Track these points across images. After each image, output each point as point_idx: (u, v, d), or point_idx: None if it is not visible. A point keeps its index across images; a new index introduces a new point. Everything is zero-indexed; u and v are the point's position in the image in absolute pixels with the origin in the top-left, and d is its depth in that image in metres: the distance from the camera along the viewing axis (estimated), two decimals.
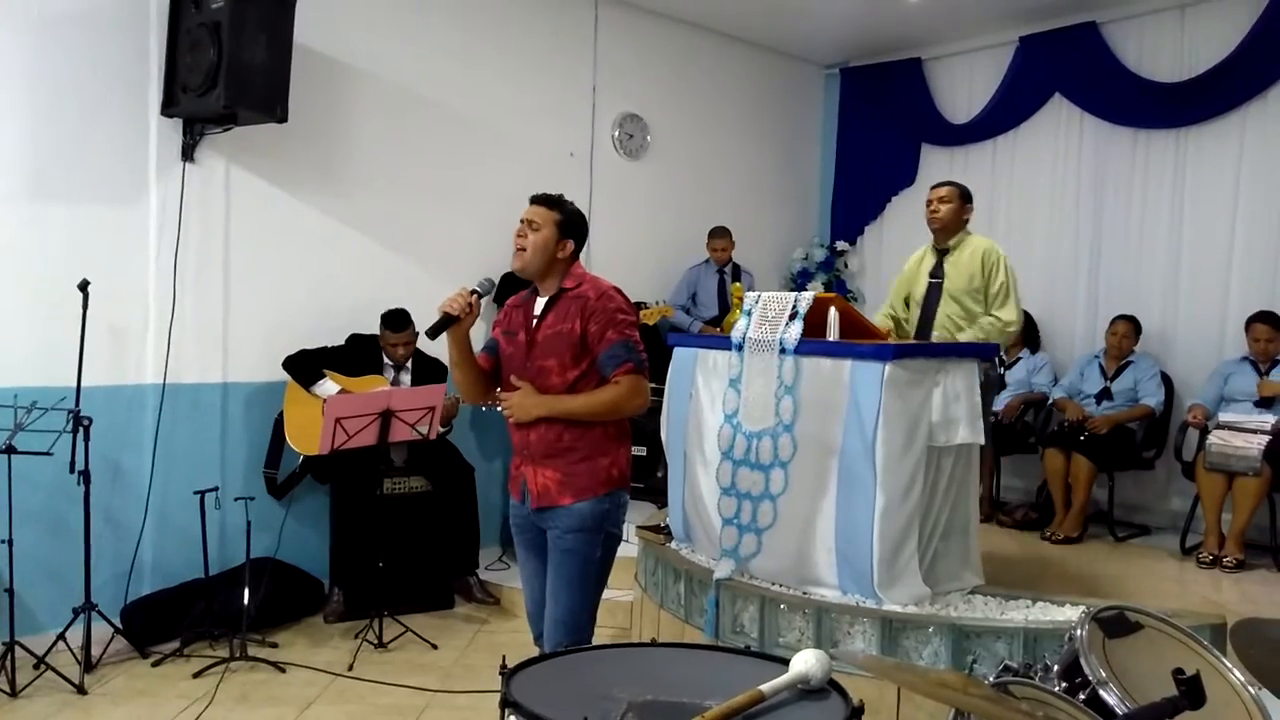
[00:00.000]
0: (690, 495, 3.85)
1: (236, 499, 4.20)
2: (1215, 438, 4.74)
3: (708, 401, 3.76)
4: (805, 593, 3.41)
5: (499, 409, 2.79)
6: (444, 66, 5.30)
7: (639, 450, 5.30)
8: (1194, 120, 5.55)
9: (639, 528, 4.24)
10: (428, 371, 4.72)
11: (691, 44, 6.55)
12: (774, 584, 3.48)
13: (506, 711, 1.68)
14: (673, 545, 3.99)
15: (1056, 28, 6.05)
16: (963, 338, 4.00)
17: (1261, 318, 4.99)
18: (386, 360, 4.74)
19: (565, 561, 2.74)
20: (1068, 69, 6.04)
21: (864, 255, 7.20)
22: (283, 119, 4.19)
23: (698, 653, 2.04)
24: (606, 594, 2.90)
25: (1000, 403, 5.58)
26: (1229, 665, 1.80)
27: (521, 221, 2.78)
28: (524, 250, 2.75)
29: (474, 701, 3.67)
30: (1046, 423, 5.63)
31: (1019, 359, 5.83)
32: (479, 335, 3.07)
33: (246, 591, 4.00)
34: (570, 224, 2.79)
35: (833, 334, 3.49)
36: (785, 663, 1.75)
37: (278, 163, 4.65)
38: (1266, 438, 4.60)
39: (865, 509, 3.28)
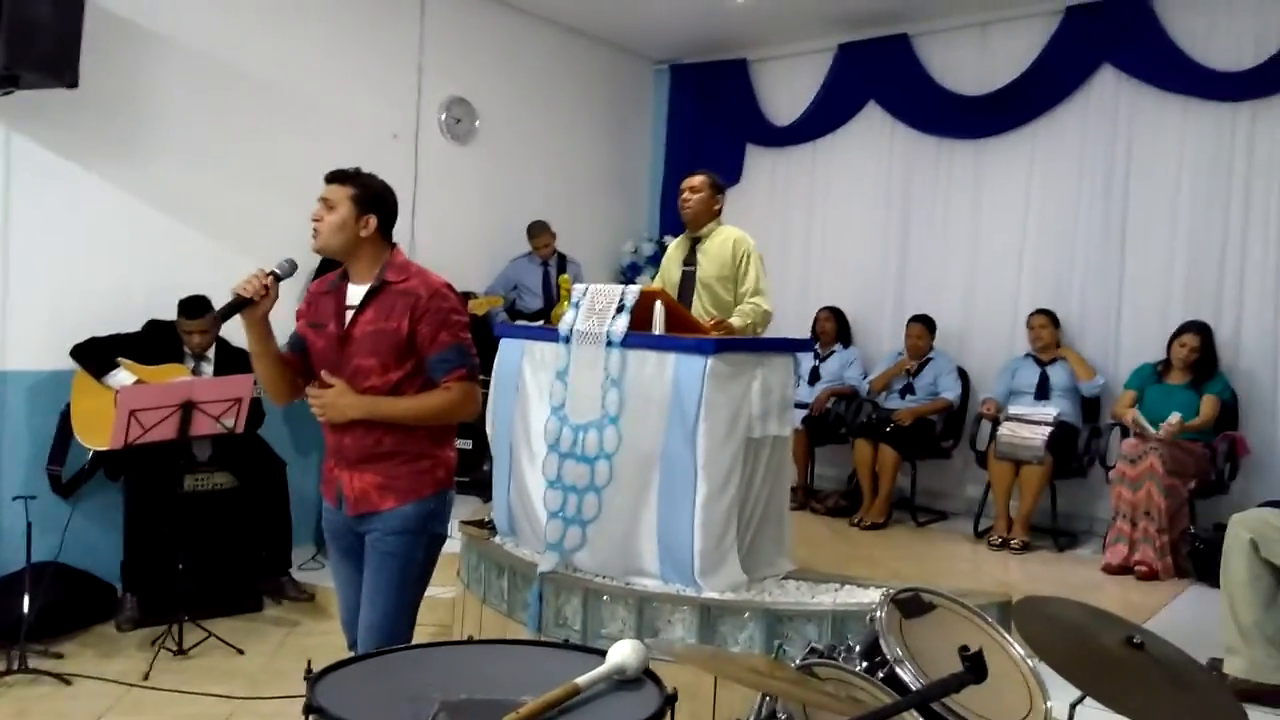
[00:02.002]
0: (515, 489, 3.81)
1: (15, 498, 3.84)
2: (1004, 429, 5.13)
3: (534, 394, 3.72)
4: (628, 583, 3.45)
5: (311, 409, 2.58)
6: (257, 34, 5.02)
7: (464, 444, 5.21)
8: (992, 132, 5.97)
9: (462, 523, 4.16)
10: (232, 361, 4.46)
11: (523, 30, 6.48)
12: (598, 576, 3.49)
13: (311, 718, 1.60)
14: (497, 540, 3.93)
15: (872, 38, 6.36)
16: (736, 324, 3.96)
17: (1039, 311, 5.46)
18: (187, 349, 4.45)
19: (385, 564, 2.59)
20: (881, 78, 6.36)
21: None
22: (72, 84, 3.84)
23: (515, 648, 2.02)
24: (426, 591, 2.81)
25: (812, 395, 5.84)
26: (1010, 640, 1.94)
27: (319, 201, 2.58)
28: (320, 231, 2.55)
29: (282, 708, 3.49)
30: (857, 415, 5.93)
31: (832, 353, 6.11)
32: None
33: (26, 598, 3.66)
34: (369, 198, 2.57)
35: (658, 328, 3.53)
36: (604, 654, 1.75)
37: (68, 133, 4.27)
38: (1049, 428, 5.01)
39: (687, 499, 3.34)
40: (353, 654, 2.64)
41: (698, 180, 4.26)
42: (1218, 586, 3.22)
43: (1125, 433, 4.97)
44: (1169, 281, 5.38)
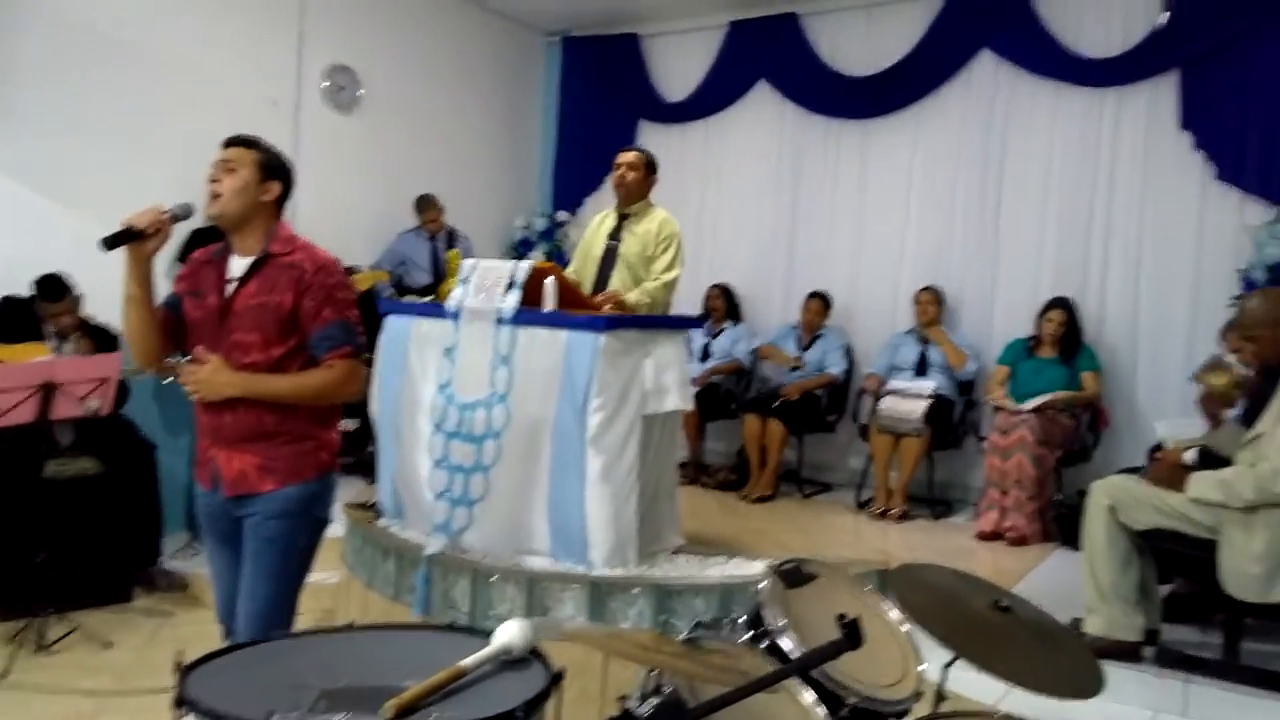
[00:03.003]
0: (401, 470, 3.73)
1: None
2: (885, 403, 5.30)
3: (420, 372, 3.64)
4: (518, 563, 3.42)
5: (181, 385, 2.46)
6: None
7: (349, 424, 5.08)
8: (878, 113, 6.12)
9: (346, 505, 4.05)
10: (98, 340, 4.22)
11: None
12: (487, 556, 3.45)
13: (182, 711, 1.54)
14: (382, 522, 3.85)
15: (762, 16, 6.41)
16: (630, 298, 3.94)
17: (926, 289, 5.63)
18: (49, 328, 4.19)
19: (265, 550, 2.49)
20: (771, 57, 6.43)
21: (585, 226, 7.21)
22: None
23: (399, 633, 1.97)
24: (310, 577, 2.72)
25: (702, 371, 5.90)
26: (887, 607, 2.00)
27: (215, 164, 2.47)
28: (219, 195, 2.43)
29: (153, 702, 3.33)
30: (746, 390, 6.02)
31: (723, 330, 6.18)
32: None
33: None
34: (272, 165, 2.49)
35: (550, 304, 3.49)
36: (491, 636, 1.73)
37: None
38: (927, 402, 5.19)
39: (576, 476, 3.33)
40: (228, 642, 2.56)
41: (634, 157, 4.17)
42: (1080, 550, 3.40)
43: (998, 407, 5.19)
44: (1040, 259, 5.64)
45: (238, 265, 2.48)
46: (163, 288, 2.53)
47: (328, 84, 5.84)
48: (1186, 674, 3.08)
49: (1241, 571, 2.96)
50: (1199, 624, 3.52)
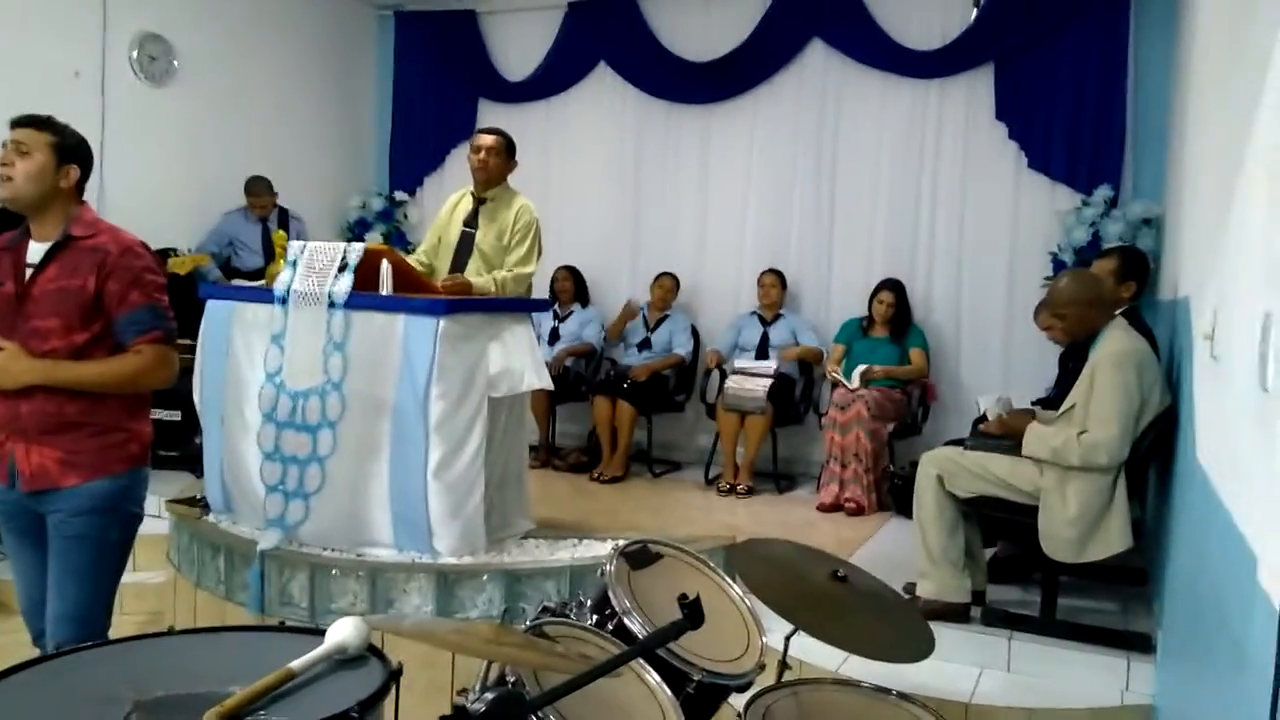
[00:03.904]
0: (229, 462, 3.53)
1: None
2: (731, 382, 5.41)
3: (246, 360, 3.45)
4: (359, 555, 3.31)
5: None
6: None
7: (172, 415, 4.78)
8: (716, 98, 6.19)
9: (169, 501, 3.81)
10: None
11: None
12: (326, 549, 3.32)
13: None
14: (210, 518, 3.64)
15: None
16: (476, 282, 3.78)
17: (769, 271, 5.77)
18: None
19: (72, 549, 2.38)
20: (611, 40, 6.41)
21: (424, 207, 7.07)
22: None
23: (225, 636, 1.86)
24: (133, 577, 2.57)
25: (551, 355, 5.86)
26: (730, 582, 2.03)
27: (4, 146, 2.34)
28: (11, 179, 2.31)
29: None
30: (596, 372, 6.02)
31: (571, 313, 6.15)
32: None
33: None
34: (69, 148, 2.39)
35: (385, 288, 3.37)
36: (324, 634, 1.65)
37: None
38: (769, 380, 5.33)
39: (418, 464, 3.24)
40: (39, 647, 2.41)
41: (493, 140, 3.99)
42: (912, 518, 3.56)
43: (836, 383, 5.38)
44: (871, 242, 5.86)
45: (36, 250, 2.37)
46: None
47: (137, 54, 5.42)
48: (1010, 631, 3.27)
49: (1057, 535, 3.17)
50: (1020, 584, 3.75)
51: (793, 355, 5.56)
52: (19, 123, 2.37)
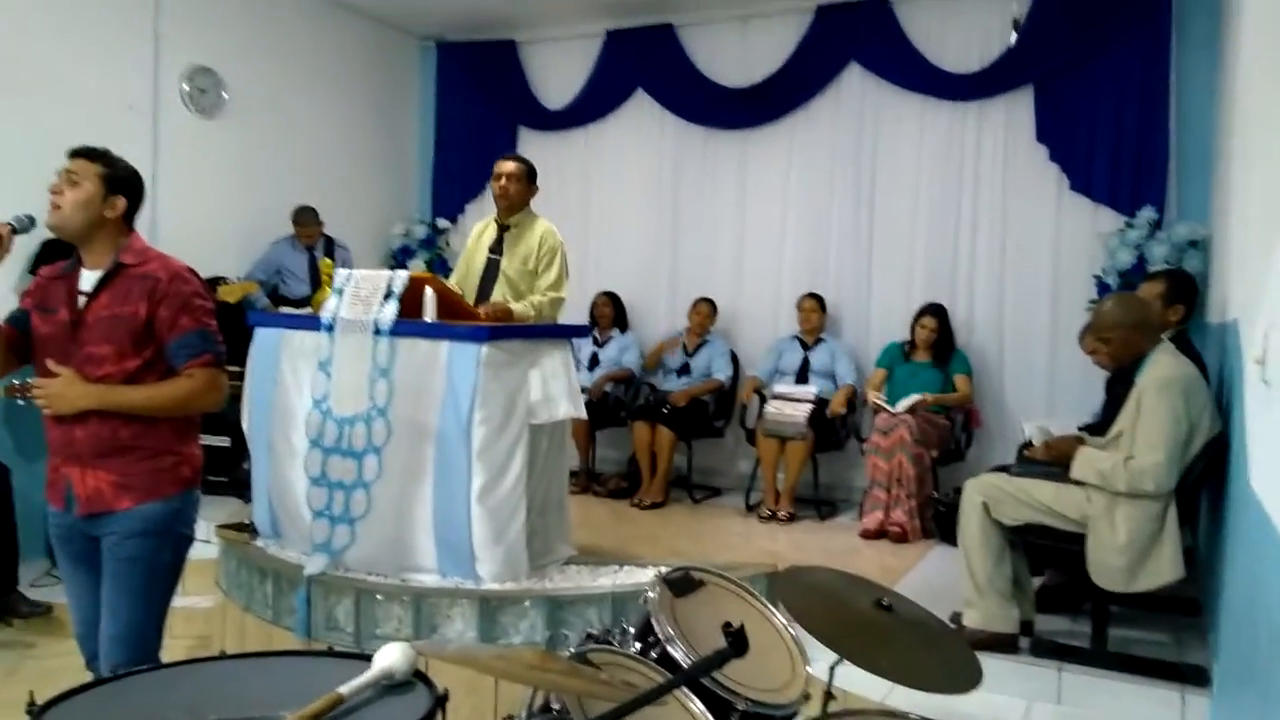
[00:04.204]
0: (277, 488, 3.58)
1: None
2: (770, 407, 5.39)
3: (294, 386, 3.51)
4: (404, 580, 3.33)
5: (35, 401, 2.37)
6: None
7: (220, 441, 4.87)
8: (754, 123, 6.22)
9: (219, 527, 3.88)
10: None
11: None
12: (371, 575, 3.35)
13: None
14: (259, 543, 3.69)
15: (639, 26, 6.45)
16: (516, 308, 3.85)
17: (809, 295, 5.76)
18: None
19: (126, 571, 2.41)
20: (649, 66, 6.47)
21: (466, 234, 7.07)
22: None
23: (274, 660, 1.89)
24: (183, 602, 2.61)
25: (591, 380, 5.89)
26: (774, 610, 2.02)
27: (58, 175, 2.41)
28: (60, 207, 2.38)
29: None
30: (635, 398, 6.03)
31: (610, 338, 6.17)
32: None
33: None
34: (119, 179, 2.45)
35: (429, 314, 3.42)
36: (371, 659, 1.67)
37: None
38: (810, 406, 5.30)
39: (462, 490, 3.27)
40: (92, 670, 2.45)
41: (514, 167, 4.07)
42: (958, 546, 3.51)
43: (878, 409, 5.34)
44: (911, 265, 5.83)
45: (88, 278, 2.43)
46: (10, 302, 2.45)
47: (188, 86, 5.58)
48: (1059, 662, 3.21)
49: (1107, 564, 3.11)
50: (1069, 614, 3.66)
51: (839, 405, 5.44)
52: (74, 154, 2.45)
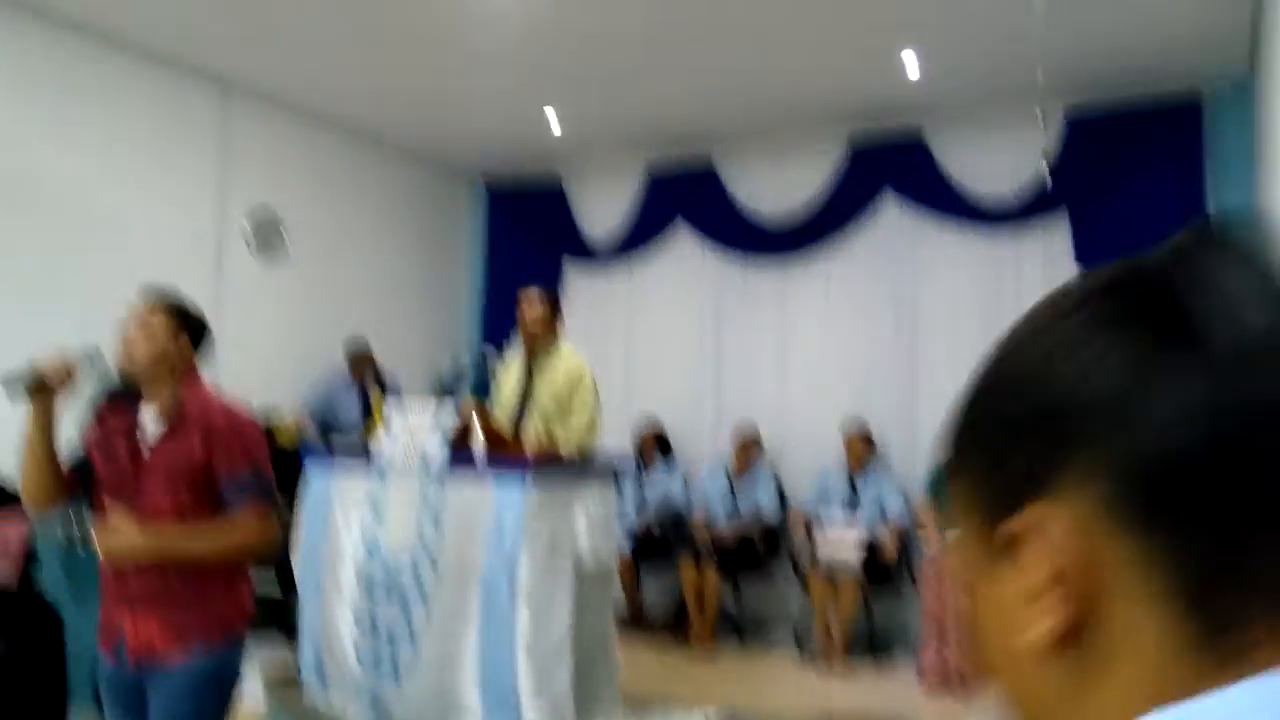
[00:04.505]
0: (324, 632, 3.56)
1: None
2: (821, 544, 5.24)
3: (344, 528, 3.53)
4: None
5: (92, 547, 2.38)
6: (33, 139, 4.69)
7: (270, 583, 4.87)
8: (792, 254, 6.31)
9: (267, 680, 3.84)
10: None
11: (335, 144, 6.40)
12: None
13: None
14: (305, 688, 3.65)
15: (680, 163, 6.65)
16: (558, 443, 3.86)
17: (854, 431, 5.68)
18: None
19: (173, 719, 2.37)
20: (689, 202, 6.65)
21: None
22: None
23: None
24: None
25: (637, 516, 5.81)
26: None
27: (130, 316, 2.46)
28: (130, 348, 2.42)
29: None
30: (680, 535, 5.92)
31: (655, 473, 6.11)
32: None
33: None
34: (188, 320, 2.50)
35: (477, 448, 3.45)
36: None
37: None
38: (860, 549, 5.12)
39: (509, 634, 3.22)
40: None
41: (536, 295, 4.15)
42: None
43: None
44: (958, 391, 5.74)
45: (150, 420, 2.45)
46: (72, 434, 2.48)
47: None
48: None
49: None
50: None
51: (892, 549, 5.31)
52: (146, 297, 2.52)
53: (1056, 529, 0.41)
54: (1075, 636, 0.40)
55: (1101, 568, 0.40)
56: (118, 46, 5.05)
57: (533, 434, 3.95)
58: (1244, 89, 5.04)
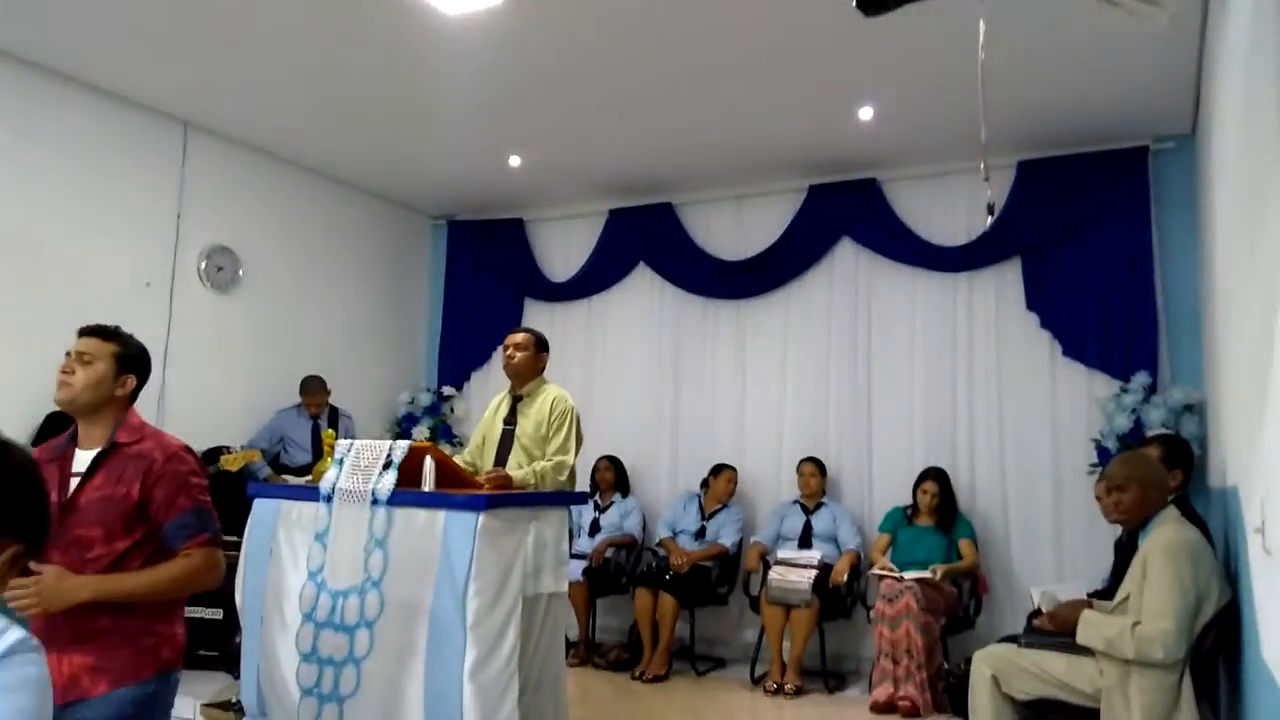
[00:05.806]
0: (266, 664, 3.48)
1: None
2: (775, 573, 5.29)
3: (290, 558, 3.47)
4: None
5: (17, 606, 2.19)
6: None
7: (213, 613, 4.77)
8: (750, 294, 6.40)
9: (204, 705, 3.75)
10: None
11: (293, 181, 6.41)
12: None
13: None
14: (243, 717, 3.56)
15: (640, 204, 6.75)
16: (516, 475, 3.85)
17: (807, 460, 5.76)
18: None
19: None
20: (650, 241, 6.73)
21: (470, 401, 7.25)
22: None
23: None
24: None
25: (592, 546, 5.81)
26: None
27: (68, 355, 2.41)
28: (70, 385, 2.37)
29: None
30: (637, 564, 5.94)
31: (612, 503, 6.14)
32: None
33: None
34: (130, 358, 2.46)
35: (428, 484, 3.42)
36: None
37: None
38: (814, 571, 5.21)
39: (456, 666, 3.17)
40: None
41: (521, 338, 4.18)
42: None
43: (883, 575, 5.22)
44: (910, 431, 5.85)
45: (82, 459, 2.39)
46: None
47: (205, 264, 5.80)
48: None
49: None
50: None
51: (841, 573, 5.34)
52: (86, 332, 2.46)
53: None
54: None
55: None
56: (79, 86, 5.05)
57: (514, 469, 3.93)
58: (1187, 144, 5.23)
